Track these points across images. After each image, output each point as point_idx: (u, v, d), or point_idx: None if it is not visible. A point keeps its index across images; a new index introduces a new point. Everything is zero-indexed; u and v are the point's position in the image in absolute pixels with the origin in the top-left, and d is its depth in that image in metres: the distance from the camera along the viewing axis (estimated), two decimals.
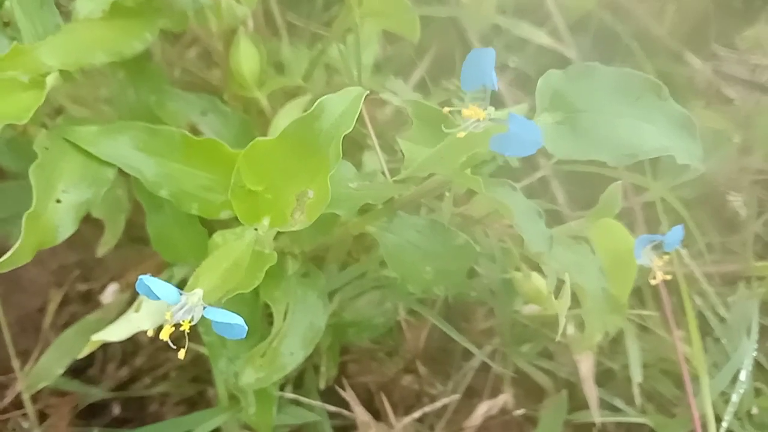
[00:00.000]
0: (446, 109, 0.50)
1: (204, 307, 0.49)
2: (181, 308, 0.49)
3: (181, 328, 0.48)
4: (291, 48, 0.95)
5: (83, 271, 1.02)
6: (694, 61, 1.15)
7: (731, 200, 1.09)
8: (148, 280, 0.46)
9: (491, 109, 0.48)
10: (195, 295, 0.49)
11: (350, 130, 0.52)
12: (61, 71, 0.66)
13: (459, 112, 0.49)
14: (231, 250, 0.54)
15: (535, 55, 1.10)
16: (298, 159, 0.53)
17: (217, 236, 0.63)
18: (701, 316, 0.91)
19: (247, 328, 0.48)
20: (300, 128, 0.52)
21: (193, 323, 0.49)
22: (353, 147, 0.89)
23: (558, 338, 0.86)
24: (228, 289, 0.54)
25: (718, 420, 0.80)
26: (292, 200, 0.54)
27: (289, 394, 0.79)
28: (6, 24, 0.72)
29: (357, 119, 0.85)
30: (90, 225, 0.95)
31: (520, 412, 0.86)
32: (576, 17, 1.13)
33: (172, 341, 0.49)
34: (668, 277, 0.70)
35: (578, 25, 1.13)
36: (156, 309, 0.67)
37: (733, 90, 1.16)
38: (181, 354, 0.49)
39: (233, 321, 0.47)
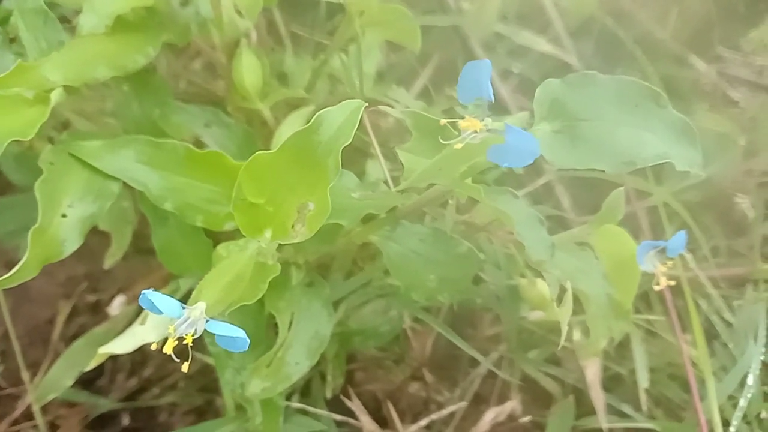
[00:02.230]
0: (443, 121, 0.50)
1: (207, 321, 0.49)
2: (184, 322, 0.49)
3: (185, 342, 0.49)
4: (295, 58, 0.96)
5: (91, 282, 1.03)
6: (698, 63, 1.15)
7: (738, 202, 1.08)
8: (150, 294, 0.46)
9: (488, 120, 0.48)
10: (197, 309, 0.50)
11: (349, 142, 0.52)
12: (65, 86, 0.67)
13: (456, 123, 0.49)
14: (233, 263, 0.54)
15: (538, 61, 1.10)
16: (298, 171, 0.53)
17: (221, 248, 0.63)
18: (708, 320, 0.91)
19: (249, 341, 0.48)
20: (299, 141, 0.52)
21: (195, 336, 0.49)
22: (356, 156, 0.90)
23: (562, 344, 0.86)
24: (231, 301, 0.54)
25: (727, 424, 0.80)
26: (293, 212, 0.55)
27: (295, 404, 0.80)
28: (12, 40, 0.73)
29: (360, 128, 0.86)
30: (97, 237, 0.96)
31: (527, 418, 0.86)
32: (578, 22, 1.13)
33: (178, 353, 0.50)
34: (672, 283, 0.70)
35: (581, 29, 1.13)
36: (161, 321, 0.67)
37: (738, 92, 1.16)
38: (185, 367, 0.50)
39: (235, 334, 0.48)
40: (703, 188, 1.06)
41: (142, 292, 0.47)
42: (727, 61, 1.17)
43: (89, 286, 1.03)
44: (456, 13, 1.06)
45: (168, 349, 0.49)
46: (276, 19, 1.03)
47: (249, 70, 0.76)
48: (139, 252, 0.96)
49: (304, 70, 0.93)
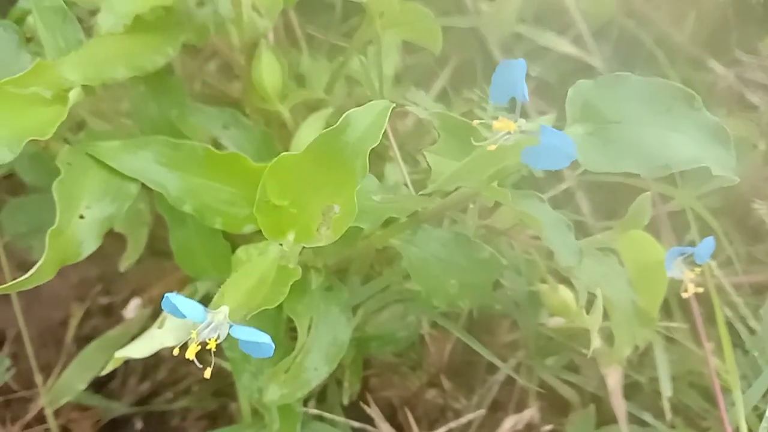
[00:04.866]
0: (476, 122, 0.49)
1: (230, 326, 0.48)
2: (208, 326, 0.48)
3: (207, 347, 0.48)
4: (311, 59, 0.95)
5: (104, 284, 1.02)
6: (716, 67, 1.13)
7: (756, 208, 1.07)
8: (174, 298, 0.45)
9: (522, 121, 0.47)
10: (221, 313, 0.48)
11: (377, 143, 0.51)
12: (83, 86, 0.66)
13: (488, 124, 0.48)
14: (256, 266, 0.53)
15: (556, 64, 1.08)
16: (324, 173, 0.52)
17: (241, 252, 0.62)
18: (730, 328, 0.89)
19: (274, 346, 0.47)
20: (326, 142, 0.51)
21: (219, 341, 0.48)
22: (375, 158, 0.88)
23: (589, 354, 0.85)
24: (253, 306, 0.53)
25: None
26: (318, 215, 0.53)
27: (312, 410, 0.78)
28: (29, 39, 0.72)
29: None
30: (111, 238, 0.94)
31: (547, 428, 0.85)
32: (597, 25, 1.12)
33: (196, 357, 0.49)
34: (700, 290, 0.69)
35: (599, 33, 1.12)
36: (180, 325, 0.66)
37: (756, 96, 1.14)
38: (207, 373, 0.49)
39: (260, 339, 0.46)
40: (722, 194, 1.04)
41: (165, 294, 0.45)
42: (745, 65, 1.16)
43: (102, 288, 1.02)
44: (474, 15, 1.05)
45: (191, 355, 0.47)
46: (292, 20, 1.02)
47: (269, 70, 0.75)
48: (153, 254, 0.94)
49: (321, 71, 0.91)
